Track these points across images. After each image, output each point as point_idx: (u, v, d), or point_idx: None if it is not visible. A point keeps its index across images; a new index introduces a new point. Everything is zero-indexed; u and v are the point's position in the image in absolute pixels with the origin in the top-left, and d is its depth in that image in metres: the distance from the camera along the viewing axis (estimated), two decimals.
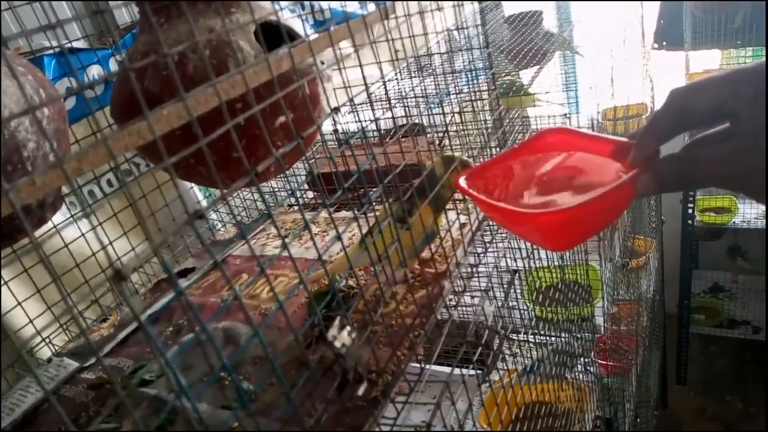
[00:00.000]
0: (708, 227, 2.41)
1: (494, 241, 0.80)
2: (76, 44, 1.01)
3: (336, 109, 0.44)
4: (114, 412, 0.60)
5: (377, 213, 0.60)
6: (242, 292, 0.75)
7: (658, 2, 2.18)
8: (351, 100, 0.44)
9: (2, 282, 0.75)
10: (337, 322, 0.46)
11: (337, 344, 0.45)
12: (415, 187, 0.55)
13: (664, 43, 2.26)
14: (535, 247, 1.00)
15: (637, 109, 2.12)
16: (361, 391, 0.48)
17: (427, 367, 0.55)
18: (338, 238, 0.43)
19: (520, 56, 1.41)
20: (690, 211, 2.36)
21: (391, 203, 0.57)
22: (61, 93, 0.98)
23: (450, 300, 0.64)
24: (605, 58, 1.53)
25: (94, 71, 1.01)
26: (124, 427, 0.58)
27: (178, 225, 0.31)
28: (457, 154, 0.62)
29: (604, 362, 1.46)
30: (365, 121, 0.72)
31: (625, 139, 0.48)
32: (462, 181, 0.54)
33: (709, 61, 2.35)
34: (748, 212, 2.37)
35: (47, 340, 0.78)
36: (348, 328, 0.46)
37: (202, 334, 0.36)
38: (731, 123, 0.40)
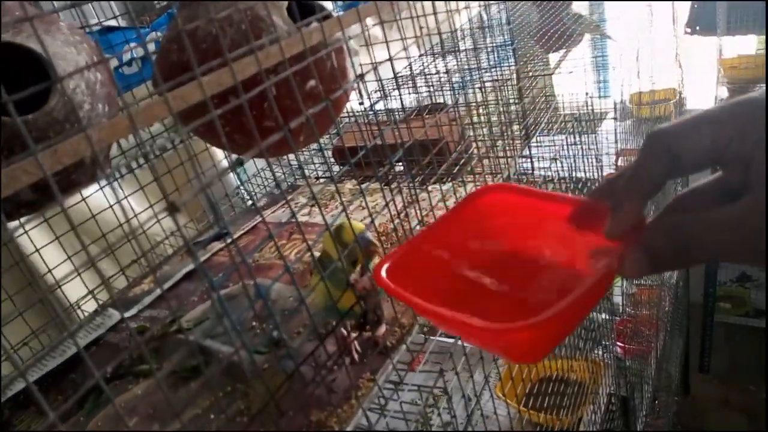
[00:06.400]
0: None
1: None
2: (116, 23, 1.07)
3: (361, 76, 0.48)
4: (155, 355, 0.66)
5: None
6: (272, 255, 0.80)
7: None
8: (375, 68, 0.48)
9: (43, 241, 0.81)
10: (358, 268, 0.50)
11: (358, 287, 0.49)
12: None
13: (697, 28, 2.23)
14: None
15: (665, 94, 2.10)
16: (381, 331, 0.52)
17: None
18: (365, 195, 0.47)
19: (546, 38, 1.42)
20: None
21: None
22: None
23: None
24: (634, 42, 1.53)
25: (133, 48, 1.07)
26: (164, 368, 0.64)
27: (220, 171, 0.36)
28: (358, 225, 0.52)
29: (623, 344, 1.48)
30: (390, 98, 0.76)
31: (585, 199, 0.36)
32: (383, 273, 0.39)
33: (744, 47, 2.31)
34: None
35: (93, 294, 0.84)
36: (369, 273, 0.50)
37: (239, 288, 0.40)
38: (731, 170, 0.31)
